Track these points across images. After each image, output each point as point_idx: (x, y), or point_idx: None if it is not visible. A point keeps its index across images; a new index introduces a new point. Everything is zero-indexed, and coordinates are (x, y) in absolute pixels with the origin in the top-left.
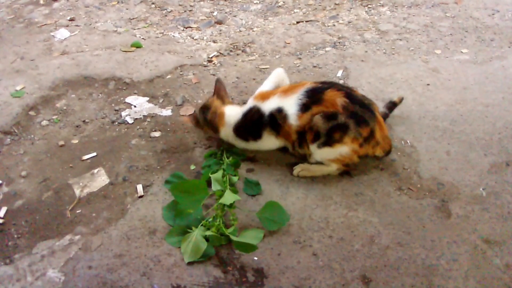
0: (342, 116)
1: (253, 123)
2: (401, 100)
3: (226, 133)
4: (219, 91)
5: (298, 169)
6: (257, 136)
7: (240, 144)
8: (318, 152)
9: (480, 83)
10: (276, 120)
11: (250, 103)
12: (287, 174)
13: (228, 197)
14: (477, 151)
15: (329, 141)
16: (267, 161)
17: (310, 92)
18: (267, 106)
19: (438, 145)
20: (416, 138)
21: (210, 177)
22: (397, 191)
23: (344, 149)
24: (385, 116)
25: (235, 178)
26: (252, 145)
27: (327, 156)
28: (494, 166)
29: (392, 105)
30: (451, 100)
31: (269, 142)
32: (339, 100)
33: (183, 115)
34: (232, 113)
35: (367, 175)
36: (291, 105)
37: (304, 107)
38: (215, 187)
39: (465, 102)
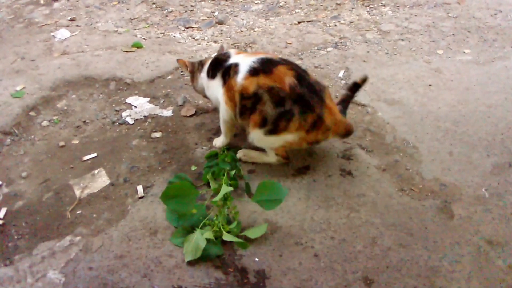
0: (289, 101)
1: (217, 63)
2: (363, 80)
3: (204, 77)
4: (219, 52)
5: (240, 153)
6: (213, 73)
7: (206, 87)
8: (265, 139)
9: (482, 84)
10: (229, 70)
11: (231, 50)
12: (289, 175)
13: (221, 192)
14: (480, 152)
15: (275, 129)
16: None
17: (265, 61)
18: (233, 58)
19: (441, 146)
20: (418, 138)
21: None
22: (399, 192)
23: (289, 137)
24: (349, 98)
25: (232, 172)
26: (209, 84)
27: (273, 144)
28: (496, 167)
29: (354, 87)
30: (453, 101)
31: (217, 88)
32: (288, 78)
33: (184, 116)
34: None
35: (369, 176)
36: (244, 64)
37: (254, 71)
38: (213, 185)
39: (468, 102)
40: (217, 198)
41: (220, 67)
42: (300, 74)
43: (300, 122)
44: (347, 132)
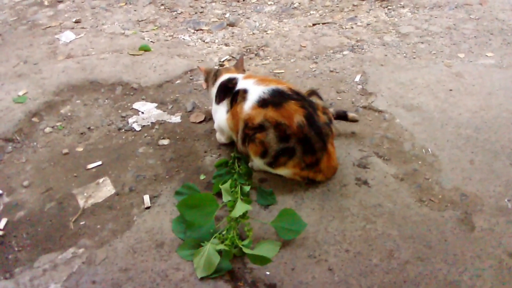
0: (293, 140)
1: (225, 88)
2: (353, 120)
3: (214, 91)
4: (238, 64)
5: (252, 163)
6: (220, 99)
7: (213, 100)
8: (263, 167)
9: (505, 89)
10: (237, 96)
11: (238, 75)
12: (302, 184)
13: (239, 208)
14: (503, 160)
15: (274, 163)
16: None
17: (276, 93)
18: (242, 83)
19: (462, 154)
20: (438, 146)
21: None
22: (417, 203)
23: (285, 172)
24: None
25: (247, 188)
26: (215, 107)
27: (269, 171)
28: None
29: (342, 115)
30: (475, 106)
31: (222, 112)
32: (297, 117)
33: (193, 122)
34: (228, 77)
35: (386, 185)
36: (254, 93)
37: (263, 102)
38: (225, 198)
39: (490, 108)
40: (234, 214)
41: (228, 93)
42: (310, 114)
43: (299, 161)
44: (332, 175)
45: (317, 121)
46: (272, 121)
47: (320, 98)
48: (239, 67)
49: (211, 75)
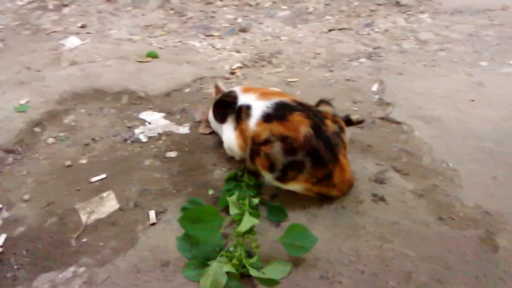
0: (301, 152)
1: (226, 104)
2: (359, 122)
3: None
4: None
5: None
6: (223, 119)
7: (212, 122)
8: (272, 183)
9: None
10: (241, 113)
11: (235, 88)
12: (314, 200)
13: (246, 222)
14: None
15: (283, 177)
16: None
17: (280, 106)
18: (243, 98)
19: (484, 169)
20: (459, 160)
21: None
22: (437, 221)
23: (296, 187)
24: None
25: (255, 200)
26: (219, 129)
27: (280, 187)
28: None
29: (347, 120)
30: (497, 118)
31: (229, 131)
32: (304, 128)
33: (202, 133)
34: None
35: (404, 202)
36: (258, 108)
37: (267, 117)
38: (232, 211)
39: None
40: (241, 229)
41: (230, 109)
42: (317, 124)
43: (309, 175)
44: (349, 190)
45: (325, 131)
46: (278, 135)
47: (330, 105)
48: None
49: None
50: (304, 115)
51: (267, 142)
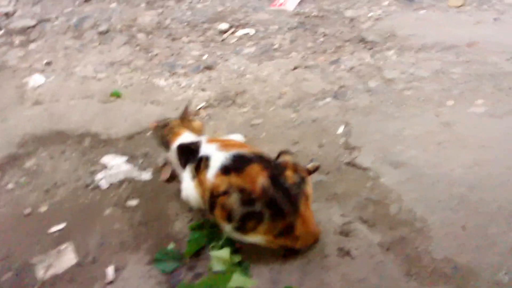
0: (259, 203)
1: (188, 152)
2: (315, 168)
3: (172, 155)
4: (183, 115)
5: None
6: (184, 164)
7: (176, 165)
8: (233, 234)
9: (500, 141)
10: (200, 163)
11: (201, 138)
12: (278, 256)
13: (239, 281)
14: (499, 224)
15: (242, 228)
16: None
17: (238, 158)
18: (205, 148)
19: (454, 217)
20: (428, 208)
21: (195, 252)
22: (406, 276)
23: (257, 239)
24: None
25: (237, 258)
26: (180, 171)
27: (242, 240)
28: None
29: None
30: (468, 161)
31: (187, 179)
32: (261, 179)
33: (162, 180)
34: (185, 138)
35: (371, 256)
36: (217, 160)
37: (225, 169)
38: (216, 267)
39: (485, 163)
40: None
41: (192, 158)
42: (275, 175)
43: (269, 226)
44: (314, 242)
45: (283, 182)
46: (236, 186)
47: (291, 154)
48: (185, 117)
49: (159, 139)
50: (261, 167)
51: (225, 193)
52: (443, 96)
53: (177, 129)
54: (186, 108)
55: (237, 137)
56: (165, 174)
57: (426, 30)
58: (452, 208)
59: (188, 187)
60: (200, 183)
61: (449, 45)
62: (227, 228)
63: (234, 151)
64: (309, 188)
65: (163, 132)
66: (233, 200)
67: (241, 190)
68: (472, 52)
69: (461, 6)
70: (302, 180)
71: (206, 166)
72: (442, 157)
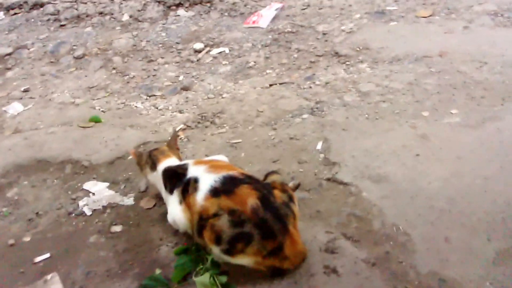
0: (249, 224)
1: (175, 175)
2: (296, 187)
3: (156, 177)
4: (171, 142)
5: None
6: (171, 189)
7: (160, 188)
8: (221, 257)
9: (475, 151)
10: (188, 186)
11: (187, 161)
12: (265, 278)
13: None
14: (480, 236)
15: (230, 250)
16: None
17: (227, 180)
18: (193, 171)
19: (436, 231)
20: (409, 222)
21: (182, 278)
22: None
23: (245, 260)
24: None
25: (223, 278)
26: (166, 197)
27: (230, 262)
28: (500, 254)
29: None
30: (445, 173)
31: (174, 203)
32: (251, 200)
33: (146, 208)
34: (169, 163)
35: (357, 273)
36: (206, 182)
37: (214, 192)
38: None
39: (461, 175)
40: None
41: (179, 182)
42: (265, 195)
43: (259, 247)
44: (302, 262)
45: (273, 202)
46: (226, 209)
47: (277, 174)
48: (172, 145)
49: (143, 160)
50: (251, 187)
51: (215, 215)
52: (417, 108)
53: (166, 152)
54: (174, 135)
55: (221, 158)
56: (148, 204)
57: (397, 42)
58: (433, 221)
59: (175, 211)
60: (189, 206)
61: (421, 56)
62: (216, 251)
63: (223, 173)
64: (296, 207)
65: (151, 153)
66: (223, 222)
67: (231, 212)
68: (443, 62)
69: (430, 16)
70: (290, 199)
71: (195, 189)
72: (420, 171)
